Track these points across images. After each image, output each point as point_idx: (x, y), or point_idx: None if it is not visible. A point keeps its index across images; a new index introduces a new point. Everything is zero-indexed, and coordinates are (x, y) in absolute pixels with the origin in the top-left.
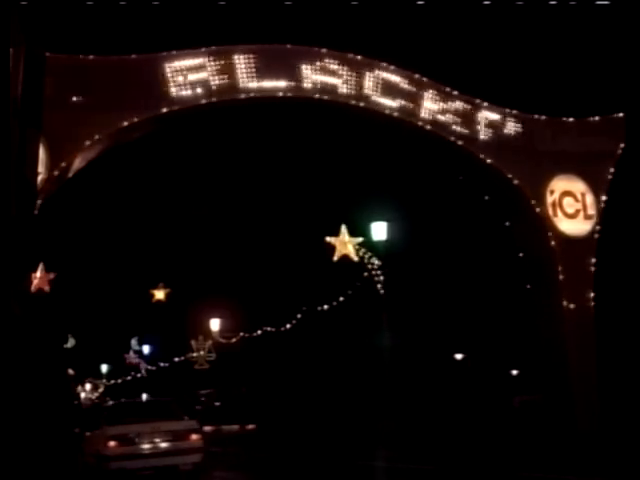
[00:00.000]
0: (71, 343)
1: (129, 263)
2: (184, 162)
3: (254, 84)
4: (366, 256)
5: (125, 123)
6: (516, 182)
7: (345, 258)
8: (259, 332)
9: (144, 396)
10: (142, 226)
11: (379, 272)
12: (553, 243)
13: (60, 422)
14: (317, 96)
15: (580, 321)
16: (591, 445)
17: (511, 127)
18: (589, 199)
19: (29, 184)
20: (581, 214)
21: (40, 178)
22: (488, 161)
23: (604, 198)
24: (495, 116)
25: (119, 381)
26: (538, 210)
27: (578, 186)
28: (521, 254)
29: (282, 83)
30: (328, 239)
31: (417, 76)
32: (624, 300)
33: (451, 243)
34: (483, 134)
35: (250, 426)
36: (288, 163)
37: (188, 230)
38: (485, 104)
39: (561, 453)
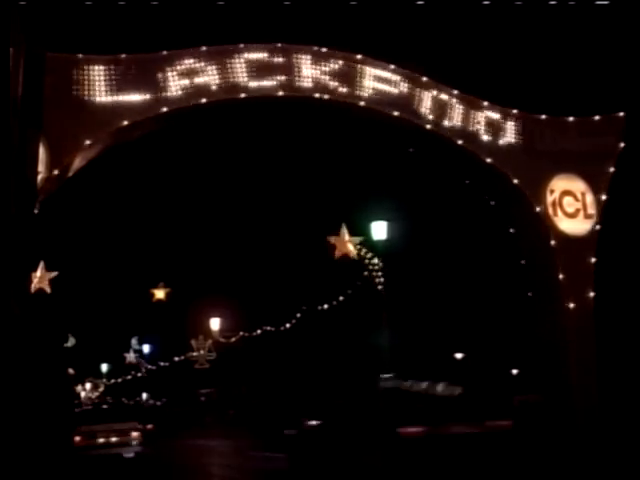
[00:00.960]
0: (71, 342)
1: (129, 262)
2: (185, 161)
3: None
4: (366, 255)
5: (125, 122)
6: (516, 181)
7: (345, 257)
8: (259, 331)
9: (144, 395)
10: (142, 225)
11: (379, 271)
12: (553, 242)
13: (59, 421)
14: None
15: (580, 320)
16: (591, 445)
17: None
18: (589, 198)
19: (29, 183)
20: (581, 213)
21: (40, 177)
22: (488, 161)
23: (604, 197)
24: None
25: (119, 380)
26: (538, 209)
27: (578, 185)
28: (521, 253)
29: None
30: (328, 238)
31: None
32: (624, 299)
33: (451, 242)
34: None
35: (149, 426)
36: (289, 163)
37: (188, 229)
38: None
39: (560, 452)
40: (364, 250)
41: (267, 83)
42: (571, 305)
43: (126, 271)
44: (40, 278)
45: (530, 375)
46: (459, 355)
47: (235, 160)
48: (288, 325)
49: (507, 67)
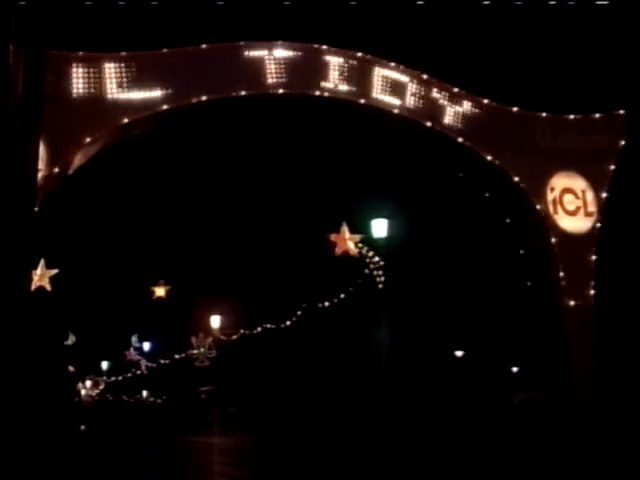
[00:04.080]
0: (71, 340)
1: (129, 260)
2: (185, 159)
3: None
4: (367, 253)
5: (125, 120)
6: (516, 179)
7: (346, 255)
8: (259, 329)
9: (144, 393)
10: (142, 223)
11: (379, 269)
12: (553, 240)
13: (60, 419)
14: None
15: (580, 318)
16: (591, 441)
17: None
18: (589, 196)
19: (29, 181)
20: (581, 211)
21: (40, 175)
22: (489, 158)
23: (605, 195)
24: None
25: (120, 378)
26: (538, 207)
27: (578, 183)
28: (522, 251)
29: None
30: (329, 236)
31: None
32: (625, 297)
33: (452, 240)
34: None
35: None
36: (289, 160)
37: (188, 227)
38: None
39: (561, 449)
40: (365, 248)
41: (269, 81)
42: (571, 303)
43: (126, 269)
44: (40, 276)
45: (530, 372)
46: (459, 353)
47: (235, 157)
48: (288, 323)
49: (509, 65)
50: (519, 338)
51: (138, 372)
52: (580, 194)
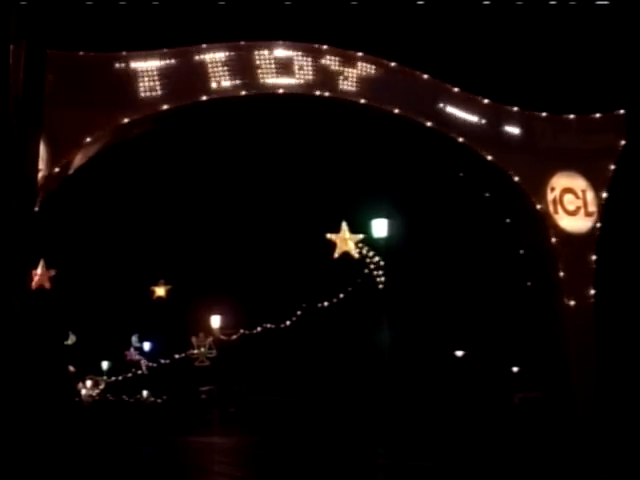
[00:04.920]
0: (72, 340)
1: (130, 260)
2: (185, 158)
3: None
4: (367, 253)
5: (125, 120)
6: (516, 179)
7: (346, 255)
8: (259, 329)
9: (145, 393)
10: (143, 223)
11: (379, 269)
12: (554, 240)
13: (60, 418)
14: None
15: (580, 318)
16: (591, 441)
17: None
18: (590, 196)
19: (30, 181)
20: (582, 211)
21: (41, 175)
22: (489, 158)
23: (605, 195)
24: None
25: (120, 378)
26: (539, 207)
27: (579, 183)
28: (522, 251)
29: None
30: (329, 236)
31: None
32: (625, 297)
33: (452, 240)
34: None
35: None
36: (289, 160)
37: (189, 227)
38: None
39: (561, 449)
40: (365, 248)
41: (270, 81)
42: (571, 303)
43: (126, 268)
44: (41, 276)
45: (530, 372)
46: (459, 353)
47: (236, 157)
48: (288, 323)
49: (510, 65)
50: (519, 338)
51: (138, 372)
52: (580, 194)
